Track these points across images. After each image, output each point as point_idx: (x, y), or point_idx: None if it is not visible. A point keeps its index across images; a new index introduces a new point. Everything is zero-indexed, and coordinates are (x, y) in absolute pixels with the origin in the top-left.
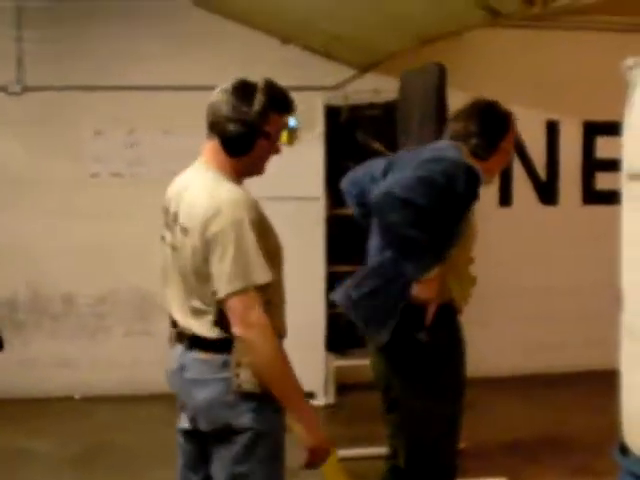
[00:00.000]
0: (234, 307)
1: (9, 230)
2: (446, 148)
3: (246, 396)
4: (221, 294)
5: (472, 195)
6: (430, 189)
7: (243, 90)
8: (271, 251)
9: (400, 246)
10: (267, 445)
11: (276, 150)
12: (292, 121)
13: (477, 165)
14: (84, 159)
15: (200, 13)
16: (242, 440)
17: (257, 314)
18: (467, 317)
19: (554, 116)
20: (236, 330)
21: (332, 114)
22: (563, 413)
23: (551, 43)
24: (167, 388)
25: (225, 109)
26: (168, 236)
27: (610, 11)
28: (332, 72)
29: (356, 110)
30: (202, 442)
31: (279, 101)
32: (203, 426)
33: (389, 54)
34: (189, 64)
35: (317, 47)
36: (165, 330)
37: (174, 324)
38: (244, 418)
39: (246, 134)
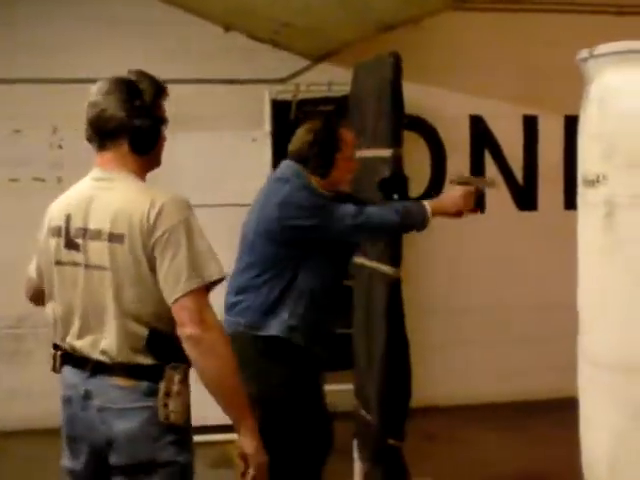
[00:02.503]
0: (189, 307)
1: None
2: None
3: (170, 428)
4: (177, 294)
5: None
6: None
7: (126, 86)
8: None
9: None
10: (187, 478)
11: (164, 138)
12: None
13: (321, 183)
14: (1, 162)
15: None
16: (164, 474)
17: (213, 314)
18: (432, 340)
19: (532, 110)
20: (191, 331)
21: (281, 110)
22: (540, 446)
23: (527, 27)
24: None
25: (121, 112)
26: (77, 257)
27: None
28: (281, 63)
29: (308, 105)
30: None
31: (159, 86)
32: (117, 460)
33: (344, 43)
34: (119, 54)
35: (264, 35)
36: None
37: (56, 346)
38: (168, 451)
39: (152, 126)
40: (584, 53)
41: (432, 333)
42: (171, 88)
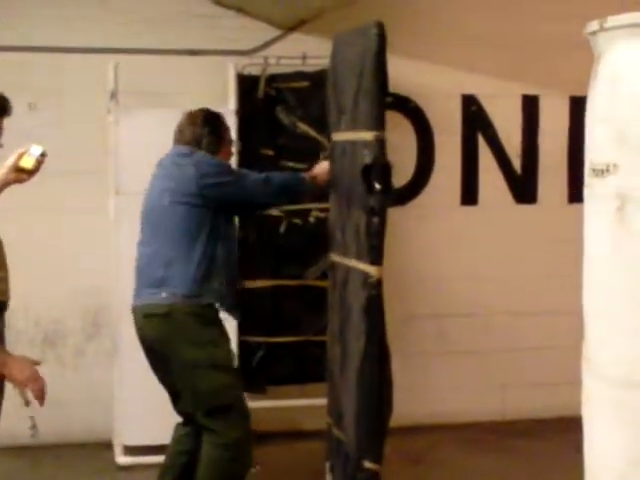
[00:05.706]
0: None
1: None
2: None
3: None
4: None
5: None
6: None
7: None
8: None
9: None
10: None
11: None
12: (36, 150)
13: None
14: None
15: None
16: None
17: None
18: (416, 349)
19: (533, 90)
20: None
21: (248, 86)
22: (540, 471)
23: None
24: None
25: None
26: None
27: None
28: (247, 33)
29: (279, 81)
30: None
31: None
32: None
33: (321, 9)
34: (56, 21)
35: (228, 0)
36: None
37: None
38: None
39: None
40: (593, 25)
41: (416, 341)
42: (120, 59)
